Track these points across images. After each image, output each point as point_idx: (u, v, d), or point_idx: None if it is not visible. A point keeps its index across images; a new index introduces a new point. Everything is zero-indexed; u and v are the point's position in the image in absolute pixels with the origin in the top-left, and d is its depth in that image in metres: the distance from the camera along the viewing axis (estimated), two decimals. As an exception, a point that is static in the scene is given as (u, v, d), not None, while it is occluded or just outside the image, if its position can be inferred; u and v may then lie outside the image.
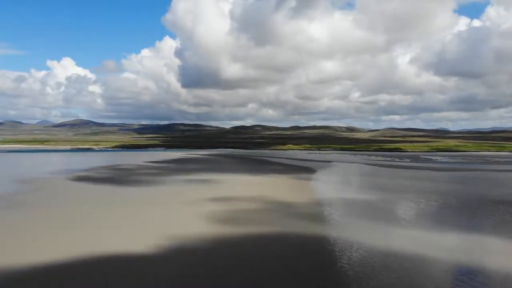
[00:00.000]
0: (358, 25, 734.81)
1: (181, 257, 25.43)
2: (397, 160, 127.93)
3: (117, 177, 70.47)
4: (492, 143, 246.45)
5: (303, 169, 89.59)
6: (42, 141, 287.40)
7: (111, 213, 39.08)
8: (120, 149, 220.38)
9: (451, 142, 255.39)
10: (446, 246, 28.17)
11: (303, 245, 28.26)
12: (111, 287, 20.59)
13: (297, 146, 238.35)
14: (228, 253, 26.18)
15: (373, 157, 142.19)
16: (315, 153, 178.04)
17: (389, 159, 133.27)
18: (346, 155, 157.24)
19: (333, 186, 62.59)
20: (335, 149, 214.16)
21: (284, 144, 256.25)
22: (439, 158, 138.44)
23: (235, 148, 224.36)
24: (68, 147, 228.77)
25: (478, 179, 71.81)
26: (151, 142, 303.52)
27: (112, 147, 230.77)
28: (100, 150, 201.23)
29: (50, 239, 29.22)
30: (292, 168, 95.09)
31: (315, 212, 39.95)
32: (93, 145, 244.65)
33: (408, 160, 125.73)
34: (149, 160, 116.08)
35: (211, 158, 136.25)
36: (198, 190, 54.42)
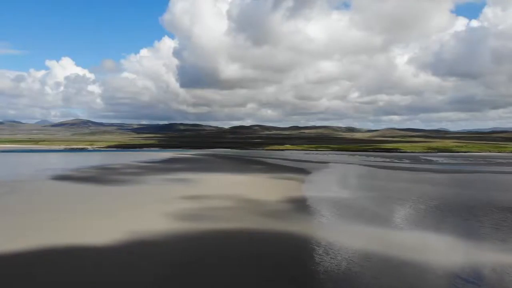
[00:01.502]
0: (354, 25, 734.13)
1: (138, 249, 27.03)
2: (396, 161, 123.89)
3: (99, 176, 70.54)
4: (493, 144, 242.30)
5: (291, 169, 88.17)
6: (36, 141, 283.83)
7: (83, 209, 40.30)
8: (114, 149, 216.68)
9: (452, 143, 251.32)
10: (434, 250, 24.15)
11: (260, 240, 29.40)
12: (69, 273, 22.48)
13: (295, 146, 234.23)
14: (183, 247, 27.71)
15: (371, 158, 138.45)
16: (312, 153, 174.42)
17: (387, 160, 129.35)
18: (344, 156, 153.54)
19: (315, 186, 60.80)
20: (333, 149, 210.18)
21: (282, 144, 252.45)
22: (439, 159, 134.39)
23: (232, 148, 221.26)
24: (62, 147, 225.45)
25: (481, 182, 67.52)
26: (147, 142, 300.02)
27: (106, 147, 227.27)
28: (94, 150, 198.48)
29: (20, 231, 31.26)
30: (279, 168, 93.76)
31: (282, 210, 40.65)
32: (88, 145, 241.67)
33: (407, 161, 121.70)
34: (138, 160, 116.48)
35: (201, 158, 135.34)
36: (175, 189, 55.24)
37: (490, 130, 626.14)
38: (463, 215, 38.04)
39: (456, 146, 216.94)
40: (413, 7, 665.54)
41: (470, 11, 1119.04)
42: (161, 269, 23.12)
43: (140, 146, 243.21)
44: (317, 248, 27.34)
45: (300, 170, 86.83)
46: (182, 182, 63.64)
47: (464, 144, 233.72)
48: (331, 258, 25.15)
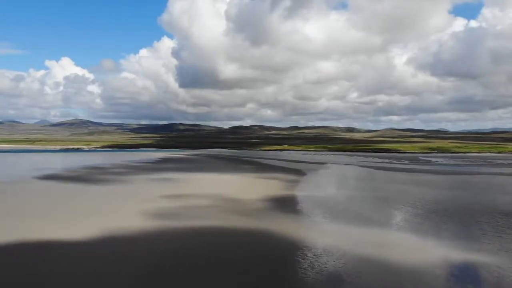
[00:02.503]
0: (352, 25, 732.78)
1: (110, 244, 27.77)
2: (394, 161, 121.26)
3: (86, 176, 70.54)
4: (493, 144, 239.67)
5: (281, 170, 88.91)
6: (33, 141, 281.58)
7: (62, 207, 41.16)
8: (110, 149, 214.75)
9: (451, 143, 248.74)
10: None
11: (230, 237, 29.94)
12: (42, 266, 23.33)
13: (293, 146, 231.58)
14: (154, 243, 28.37)
15: (369, 159, 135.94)
16: (310, 154, 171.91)
17: (386, 160, 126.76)
18: (342, 156, 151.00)
19: (302, 186, 60.11)
20: (332, 149, 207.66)
21: (280, 144, 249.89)
22: (438, 160, 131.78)
23: (229, 148, 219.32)
24: (57, 147, 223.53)
25: (482, 184, 64.87)
26: (144, 142, 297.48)
27: (102, 147, 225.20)
28: (89, 150, 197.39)
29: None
30: (269, 168, 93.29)
31: (259, 209, 40.93)
32: (84, 145, 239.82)
33: (406, 162, 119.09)
34: (130, 160, 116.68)
35: (193, 158, 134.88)
36: (159, 188, 55.60)
37: (490, 130, 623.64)
38: (463, 220, 35.37)
39: (456, 147, 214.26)
40: (411, 7, 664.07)
41: (467, 11, 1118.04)
42: (130, 264, 23.89)
43: (137, 146, 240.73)
44: (285, 245, 28.05)
45: (291, 170, 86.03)
46: (167, 181, 64.04)
47: (464, 145, 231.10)
48: (297, 254, 25.77)
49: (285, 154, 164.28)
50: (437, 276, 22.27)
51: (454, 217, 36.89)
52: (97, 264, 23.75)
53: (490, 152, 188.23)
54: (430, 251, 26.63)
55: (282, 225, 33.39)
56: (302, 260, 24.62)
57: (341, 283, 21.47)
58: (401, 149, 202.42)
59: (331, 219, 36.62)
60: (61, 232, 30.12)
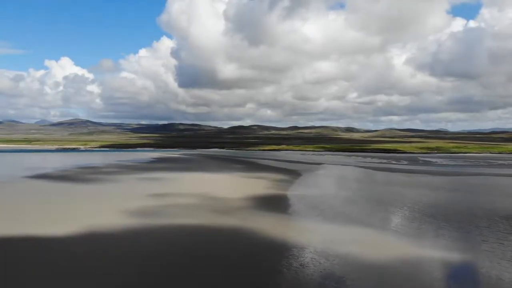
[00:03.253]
0: (350, 25, 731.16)
1: (87, 240, 28.41)
2: (393, 162, 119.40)
3: (76, 175, 70.66)
4: (493, 144, 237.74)
5: (273, 169, 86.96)
6: (30, 141, 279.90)
7: (47, 205, 42.15)
8: (107, 149, 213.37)
9: (451, 143, 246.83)
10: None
11: (205, 235, 30.52)
12: (21, 260, 23.98)
13: (291, 146, 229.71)
14: (130, 240, 28.87)
15: (368, 159, 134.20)
16: (308, 154, 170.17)
17: (385, 161, 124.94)
18: (340, 157, 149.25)
19: (290, 185, 60.12)
20: (330, 149, 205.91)
21: (279, 144, 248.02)
22: (438, 161, 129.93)
23: (227, 148, 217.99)
24: (54, 147, 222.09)
25: (483, 186, 62.82)
26: (142, 141, 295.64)
27: (99, 147, 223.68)
28: (86, 150, 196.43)
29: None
30: (261, 168, 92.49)
31: (241, 207, 41.19)
32: (82, 145, 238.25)
33: (405, 163, 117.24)
34: (123, 160, 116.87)
35: (188, 158, 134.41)
36: (145, 187, 56.02)
37: (490, 130, 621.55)
38: (462, 226, 33.44)
39: (456, 147, 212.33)
40: (408, 7, 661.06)
41: (466, 11, 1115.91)
42: (103, 259, 24.52)
43: (134, 146, 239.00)
44: (260, 242, 28.53)
45: (283, 170, 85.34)
46: (156, 180, 64.46)
47: (464, 145, 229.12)
48: (271, 251, 26.33)
49: (282, 154, 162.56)
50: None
51: (452, 221, 34.94)
52: (72, 258, 24.40)
53: (490, 153, 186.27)
54: (425, 259, 24.69)
55: (261, 223, 33.66)
56: (275, 257, 25.07)
57: (315, 280, 21.40)
58: (400, 149, 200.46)
59: (313, 218, 36.61)
60: (43, 228, 30.79)
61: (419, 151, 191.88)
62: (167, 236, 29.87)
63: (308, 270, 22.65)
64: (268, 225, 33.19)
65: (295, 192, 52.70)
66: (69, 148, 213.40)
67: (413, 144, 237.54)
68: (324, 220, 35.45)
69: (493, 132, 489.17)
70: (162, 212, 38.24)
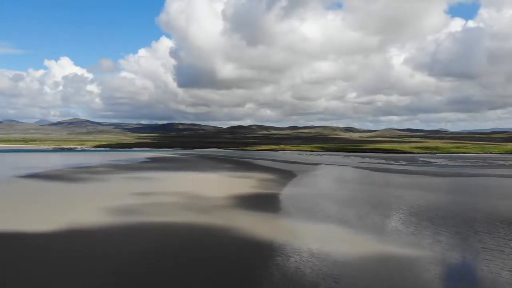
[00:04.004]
0: (348, 25, 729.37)
1: (64, 236, 29.13)
2: (391, 162, 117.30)
3: (65, 175, 70.65)
4: (493, 145, 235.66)
5: (264, 169, 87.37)
6: (27, 141, 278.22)
7: (33, 203, 42.54)
8: (103, 149, 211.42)
9: (451, 143, 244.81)
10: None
11: (179, 232, 30.95)
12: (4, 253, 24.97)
13: (289, 146, 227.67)
14: (106, 235, 29.56)
15: (366, 159, 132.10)
16: (306, 154, 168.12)
17: (383, 161, 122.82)
18: (338, 157, 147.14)
19: (277, 184, 60.26)
20: (329, 149, 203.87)
21: (277, 144, 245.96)
22: (437, 161, 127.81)
23: (224, 148, 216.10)
24: (50, 147, 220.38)
25: (483, 188, 60.81)
26: (140, 141, 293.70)
27: (95, 147, 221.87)
28: (81, 150, 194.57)
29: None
30: (252, 167, 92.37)
31: (220, 206, 41.50)
32: (79, 144, 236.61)
33: (403, 163, 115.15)
34: (116, 159, 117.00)
35: (181, 158, 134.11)
36: (131, 186, 56.14)
37: (490, 130, 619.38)
38: (461, 231, 31.33)
39: (456, 147, 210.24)
40: (405, 7, 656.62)
41: (462, 11, 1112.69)
42: (75, 252, 25.42)
43: (131, 145, 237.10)
44: (233, 239, 28.81)
45: (273, 170, 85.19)
46: (143, 180, 64.66)
47: (464, 145, 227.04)
48: (244, 248, 26.80)
49: (279, 154, 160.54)
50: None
51: (450, 226, 32.85)
52: (48, 252, 25.32)
53: (491, 153, 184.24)
54: (418, 268, 22.59)
55: (239, 222, 33.83)
56: (246, 253, 25.59)
57: (287, 276, 21.71)
58: (399, 149, 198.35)
59: (295, 217, 36.68)
60: (20, 226, 31.36)
61: (419, 151, 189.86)
62: (141, 234, 29.96)
63: (280, 266, 22.79)
64: (246, 223, 33.35)
65: (281, 191, 52.28)
66: (65, 148, 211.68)
67: (412, 144, 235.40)
68: (310, 221, 34.74)
69: (493, 132, 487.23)
70: (140, 210, 38.41)
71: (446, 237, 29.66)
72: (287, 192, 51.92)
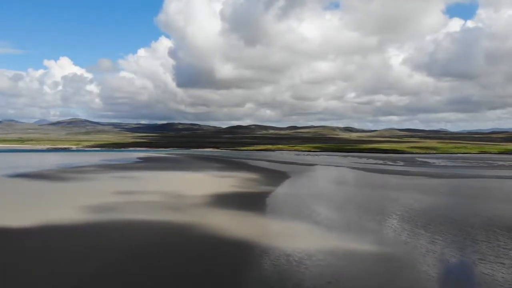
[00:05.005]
0: (346, 25, 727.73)
1: (39, 232, 29.41)
2: (389, 163, 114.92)
3: (54, 174, 71.16)
4: (493, 145, 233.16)
5: (253, 168, 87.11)
6: (23, 141, 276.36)
7: (15, 200, 43.56)
8: (99, 148, 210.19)
9: (450, 144, 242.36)
10: None
11: (154, 230, 30.95)
12: None
13: (287, 146, 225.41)
14: (81, 232, 29.72)
15: (363, 160, 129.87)
16: (303, 154, 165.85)
17: (380, 161, 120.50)
18: (335, 157, 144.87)
19: (258, 184, 60.27)
20: (327, 150, 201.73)
21: (275, 144, 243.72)
22: (436, 161, 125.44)
23: (220, 148, 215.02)
24: (45, 147, 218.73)
25: (482, 190, 58.30)
26: (137, 141, 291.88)
27: (91, 147, 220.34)
28: (76, 150, 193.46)
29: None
30: (241, 167, 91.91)
31: (199, 204, 41.73)
32: (76, 144, 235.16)
33: (401, 163, 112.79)
34: (108, 159, 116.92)
35: (173, 157, 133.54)
36: (116, 185, 56.21)
37: (490, 131, 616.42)
38: (457, 240, 28.85)
39: (455, 147, 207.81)
40: (402, 7, 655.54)
41: (460, 11, 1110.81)
42: (49, 250, 25.39)
43: (127, 145, 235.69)
44: (204, 237, 28.90)
45: (263, 169, 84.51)
46: (130, 179, 64.94)
47: (463, 145, 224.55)
48: (213, 246, 26.87)
49: (276, 154, 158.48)
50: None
51: (446, 234, 30.36)
52: (24, 247, 25.63)
53: (490, 153, 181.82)
54: (408, 286, 20.14)
55: (215, 220, 34.16)
56: (217, 251, 25.88)
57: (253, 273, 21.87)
58: (398, 149, 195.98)
59: (274, 216, 36.91)
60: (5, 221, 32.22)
61: (417, 151, 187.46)
62: (117, 231, 30.33)
63: (250, 265, 23.09)
64: (217, 221, 33.75)
65: (270, 191, 51.61)
66: (60, 148, 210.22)
67: (411, 144, 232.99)
68: (287, 220, 34.79)
69: (493, 132, 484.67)
70: (120, 208, 38.80)
71: (440, 246, 27.16)
72: (278, 191, 51.15)
